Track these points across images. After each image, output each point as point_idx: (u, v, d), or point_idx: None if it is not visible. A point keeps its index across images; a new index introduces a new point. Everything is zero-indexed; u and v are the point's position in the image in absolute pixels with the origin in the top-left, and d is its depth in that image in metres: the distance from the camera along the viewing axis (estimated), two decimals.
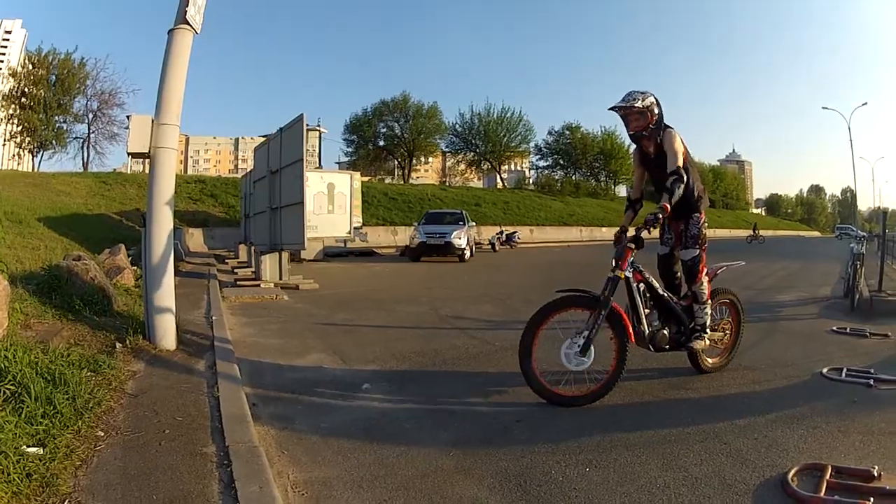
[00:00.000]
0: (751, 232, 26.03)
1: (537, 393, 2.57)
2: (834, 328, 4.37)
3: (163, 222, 3.69)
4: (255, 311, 5.98)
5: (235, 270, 9.63)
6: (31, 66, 25.37)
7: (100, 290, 5.09)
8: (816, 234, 58.07)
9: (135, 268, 7.27)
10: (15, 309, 3.24)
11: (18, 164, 27.02)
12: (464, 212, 15.14)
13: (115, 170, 29.28)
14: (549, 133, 37.65)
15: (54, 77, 24.70)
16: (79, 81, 24.78)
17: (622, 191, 37.18)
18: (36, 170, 24.97)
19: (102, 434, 2.31)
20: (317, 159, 30.35)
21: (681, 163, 2.73)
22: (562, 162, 37.24)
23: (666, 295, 2.88)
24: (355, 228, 12.84)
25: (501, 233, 17.91)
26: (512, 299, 5.99)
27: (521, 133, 35.06)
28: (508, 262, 12.42)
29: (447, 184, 36.09)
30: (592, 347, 2.59)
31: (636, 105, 2.75)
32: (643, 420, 2.33)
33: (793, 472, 1.70)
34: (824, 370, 3.07)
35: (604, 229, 25.79)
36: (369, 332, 4.41)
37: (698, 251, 2.91)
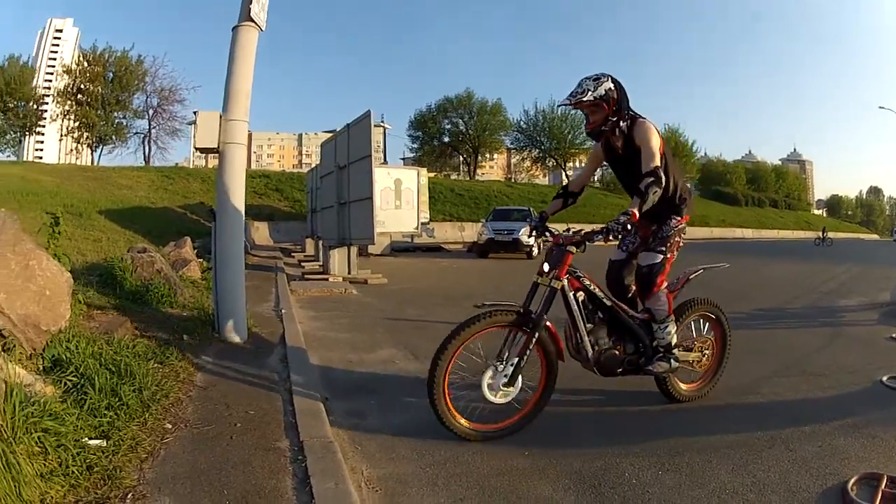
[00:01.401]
0: (819, 234, 32.93)
1: (448, 429, 2.80)
2: (893, 335, 5.49)
3: (233, 216, 4.65)
4: (324, 305, 7.36)
5: (302, 264, 12.46)
6: (86, 64, 33.46)
7: (165, 281, 6.27)
8: (875, 236, 69.90)
9: (201, 260, 8.95)
10: (78, 300, 4.08)
11: (77, 158, 36.73)
12: (531, 209, 18.93)
13: (176, 164, 38.29)
14: None
15: (111, 74, 33.48)
16: (137, 78, 33.76)
17: None
18: (95, 164, 32.89)
19: (170, 426, 2.79)
20: (382, 155, 36.55)
21: (658, 162, 2.93)
22: None
23: (615, 306, 3.11)
24: (422, 224, 16.34)
25: (568, 229, 20.47)
26: None
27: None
28: (574, 260, 13.67)
29: (513, 180, 46.46)
30: (520, 376, 2.90)
31: (585, 98, 2.99)
32: (713, 424, 2.98)
33: (852, 481, 2.27)
34: (884, 378, 3.88)
35: None
36: (440, 328, 5.07)
37: (661, 259, 3.14)
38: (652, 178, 2.88)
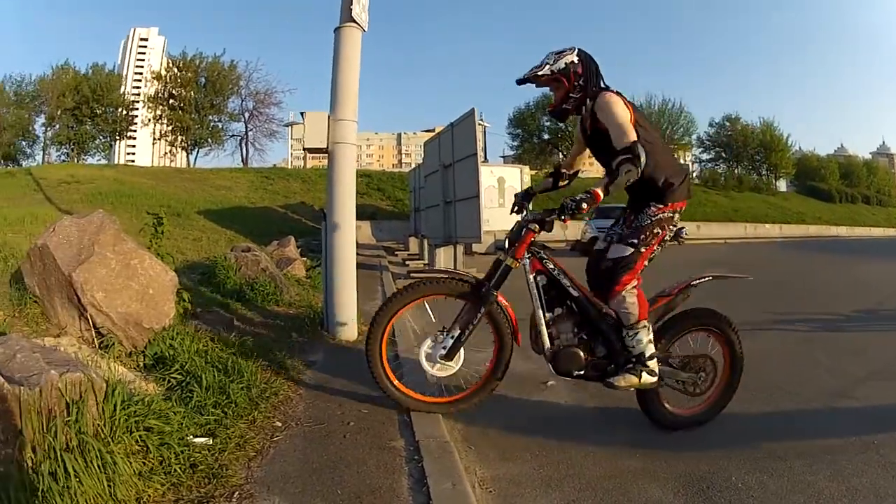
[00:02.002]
0: None
1: (387, 395, 3.22)
2: None
3: (344, 215, 5.13)
4: (431, 303, 7.24)
5: (407, 262, 14.02)
6: (176, 70, 38.75)
7: (271, 279, 6.81)
8: None
9: (305, 259, 9.77)
10: (182, 298, 4.55)
11: (171, 161, 41.68)
12: None
13: (274, 165, 43.71)
14: (710, 125, 54.48)
15: (204, 79, 38.97)
16: (231, 83, 39.18)
17: (783, 185, 57.67)
18: (192, 166, 37.58)
19: (280, 425, 2.97)
20: (483, 153, 37.56)
21: (632, 136, 2.88)
22: (724, 155, 53.88)
23: (584, 298, 3.12)
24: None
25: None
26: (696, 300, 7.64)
27: (683, 125, 49.51)
28: (676, 259, 16.22)
29: None
30: (463, 351, 3.16)
31: (541, 72, 3.09)
32: (814, 428, 3.30)
33: None
34: None
35: (767, 226, 38.07)
36: None
37: (630, 252, 3.06)
38: (626, 156, 2.83)
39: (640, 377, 3.03)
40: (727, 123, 53.72)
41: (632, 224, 3.16)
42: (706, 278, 3.35)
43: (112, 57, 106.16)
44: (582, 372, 3.11)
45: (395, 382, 3.23)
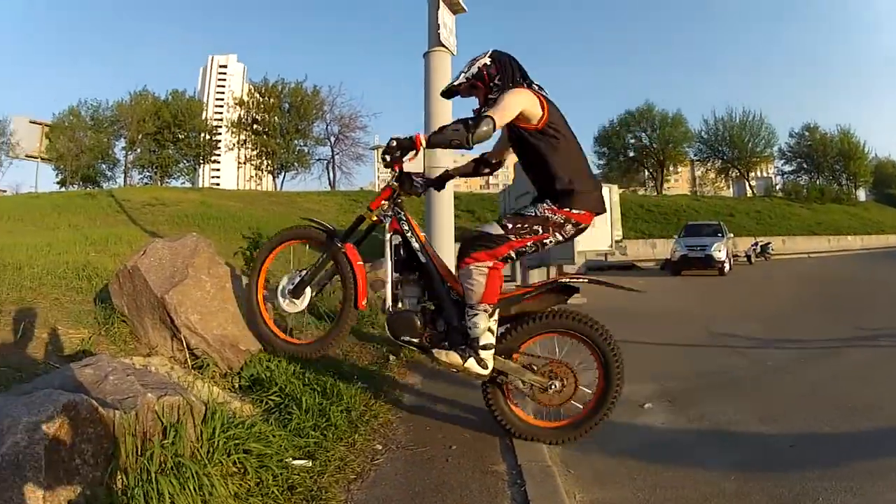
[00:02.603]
0: None
1: (261, 339, 3.71)
2: None
3: (443, 237, 5.50)
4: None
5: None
6: (258, 96, 41.64)
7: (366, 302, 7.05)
8: None
9: None
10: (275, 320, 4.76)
11: (257, 185, 44.65)
12: (721, 223, 22.26)
13: (361, 188, 45.34)
14: (790, 135, 56.90)
15: (287, 104, 41.76)
16: (315, 108, 41.75)
17: (862, 194, 59.07)
18: (279, 189, 40.04)
19: (380, 448, 3.03)
20: None
21: (491, 113, 2.92)
22: (805, 166, 56.29)
23: (430, 264, 3.24)
24: (616, 242, 18.19)
25: (756, 244, 26.32)
26: (778, 317, 8.80)
27: (764, 137, 52.49)
28: (767, 276, 18.57)
29: (698, 194, 53.94)
30: (309, 291, 3.58)
31: (458, 82, 3.29)
32: None
33: None
34: None
35: (850, 237, 39.50)
36: (643, 349, 6.28)
37: (497, 232, 3.10)
38: (470, 118, 2.93)
39: (465, 360, 3.05)
40: (806, 133, 55.81)
41: (517, 212, 3.20)
42: (582, 280, 3.37)
43: (191, 84, 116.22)
44: (416, 340, 3.21)
45: (269, 322, 3.70)
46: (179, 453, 2.19)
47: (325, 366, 4.10)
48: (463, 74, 3.23)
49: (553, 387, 3.18)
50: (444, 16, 5.35)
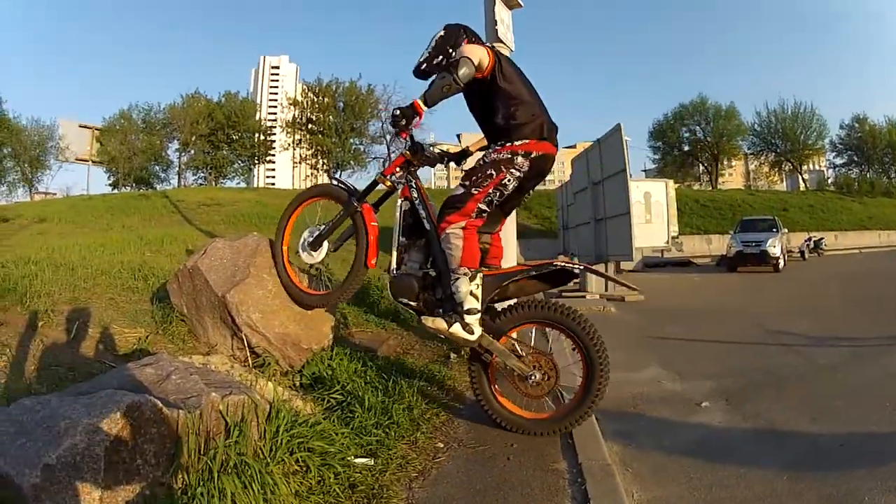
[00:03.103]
0: None
1: (286, 289, 3.89)
2: None
3: (506, 234, 5.39)
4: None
5: None
6: (312, 95, 42.26)
7: None
8: None
9: None
10: (337, 318, 4.85)
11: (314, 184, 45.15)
12: (776, 218, 22.84)
13: None
14: (841, 127, 55.87)
15: (342, 104, 42.07)
16: (370, 106, 41.90)
17: None
18: None
19: (442, 446, 3.06)
20: (628, 167, 40.45)
21: (466, 54, 3.16)
22: (856, 158, 55.20)
23: (433, 231, 3.35)
24: (672, 238, 19.52)
25: (809, 239, 26.53)
26: (831, 314, 9.03)
27: (816, 129, 52.29)
28: (820, 273, 18.42)
29: (752, 188, 55.32)
30: (326, 244, 3.86)
31: (421, 60, 3.43)
32: None
33: None
34: None
35: None
36: (700, 347, 6.85)
37: (461, 192, 3.24)
38: (449, 66, 3.14)
39: (450, 325, 3.12)
40: (856, 125, 54.69)
41: (473, 166, 3.31)
42: (579, 268, 3.39)
43: (243, 85, 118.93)
44: (413, 304, 3.32)
45: (293, 277, 3.87)
46: (242, 452, 2.24)
47: (387, 364, 4.16)
48: (424, 53, 3.40)
49: (533, 377, 3.23)
50: (501, 11, 5.37)
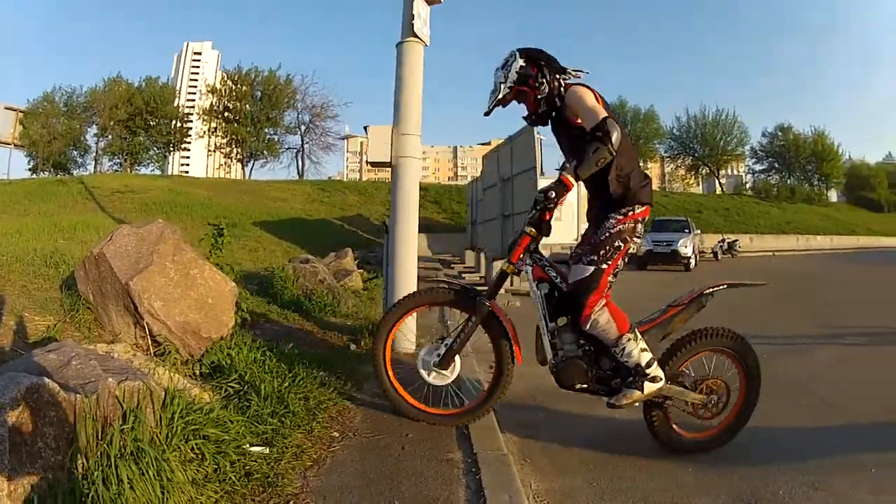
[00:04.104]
0: None
1: (392, 403, 3.34)
2: None
3: (407, 227, 5.34)
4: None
5: (463, 275, 14.35)
6: (230, 83, 40.71)
7: (328, 291, 6.95)
8: None
9: (362, 271, 9.98)
10: (240, 308, 4.67)
11: (227, 173, 43.59)
12: (688, 219, 22.55)
13: (330, 178, 45.31)
14: (763, 135, 57.98)
15: (259, 93, 40.85)
16: (287, 96, 40.92)
17: (834, 196, 61.35)
18: (247, 178, 39.39)
19: (337, 435, 3.01)
20: (540, 167, 40.22)
21: (602, 114, 2.83)
22: (777, 165, 56.83)
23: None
24: (582, 235, 17.61)
25: (723, 240, 26.12)
26: (748, 312, 8.24)
27: (737, 135, 53.18)
28: (732, 272, 18.97)
29: (668, 190, 53.94)
30: (458, 360, 3.24)
31: (502, 94, 3.10)
32: (862, 444, 3.37)
33: None
34: None
35: (819, 238, 39.41)
36: None
37: (591, 272, 2.96)
38: (597, 133, 2.73)
39: (642, 389, 2.93)
40: (779, 133, 56.53)
41: (590, 241, 3.05)
42: (721, 286, 3.22)
43: (165, 70, 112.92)
44: (585, 386, 3.05)
45: (399, 388, 3.34)
46: (139, 438, 2.14)
47: (285, 354, 4.05)
48: (503, 85, 3.08)
49: (712, 402, 3.14)
50: (419, 6, 5.26)
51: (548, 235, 3.08)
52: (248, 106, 40.06)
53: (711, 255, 24.30)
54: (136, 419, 2.20)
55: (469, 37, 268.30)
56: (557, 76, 3.05)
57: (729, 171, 61.21)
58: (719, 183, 56.40)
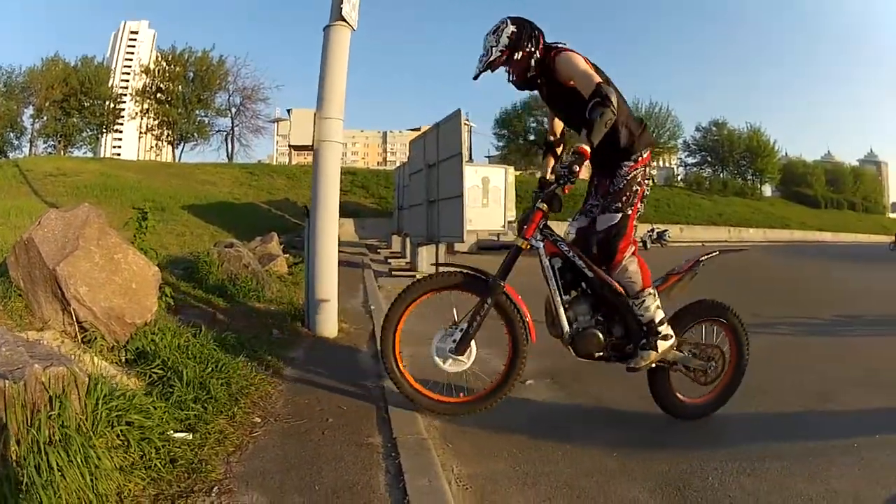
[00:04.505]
0: (892, 239, 35.12)
1: (406, 396, 3.14)
2: None
3: (328, 212, 5.16)
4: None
5: (389, 260, 14.29)
6: (164, 64, 38.43)
7: (253, 276, 6.77)
8: None
9: (287, 255, 9.74)
10: (164, 293, 4.50)
11: (157, 155, 41.97)
12: None
13: (259, 161, 43.24)
14: (697, 129, 57.05)
15: (192, 74, 38.68)
16: (219, 78, 38.87)
17: (768, 190, 59.17)
18: (177, 161, 37.42)
19: (259, 420, 2.98)
20: (468, 153, 39.62)
21: (597, 79, 2.84)
22: (710, 159, 56.20)
23: (596, 278, 3.03)
24: (509, 222, 18.30)
25: (653, 230, 25.42)
26: (681, 303, 8.71)
27: (670, 129, 51.37)
28: (661, 261, 18.58)
29: None
30: (475, 345, 3.09)
31: (493, 57, 3.06)
32: (794, 431, 3.31)
33: None
34: None
35: (751, 230, 39.40)
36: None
37: (619, 217, 3.03)
38: (596, 99, 2.74)
39: (656, 348, 3.02)
40: (714, 128, 55.94)
41: (609, 190, 3.12)
42: (713, 253, 3.42)
43: (102, 49, 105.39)
44: (601, 353, 3.08)
45: (410, 380, 3.16)
46: (66, 425, 2.08)
47: (209, 339, 3.95)
48: (494, 48, 3.05)
49: (711, 367, 3.26)
50: None
51: (558, 211, 3.03)
52: (180, 87, 37.98)
53: (641, 244, 25.49)
54: (62, 405, 2.13)
55: (402, 21, 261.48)
56: (545, 42, 3.09)
57: (661, 163, 58.65)
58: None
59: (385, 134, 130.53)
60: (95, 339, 3.23)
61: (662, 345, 3.02)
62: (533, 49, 3.05)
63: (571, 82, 2.99)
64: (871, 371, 4.63)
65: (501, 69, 3.16)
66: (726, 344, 3.36)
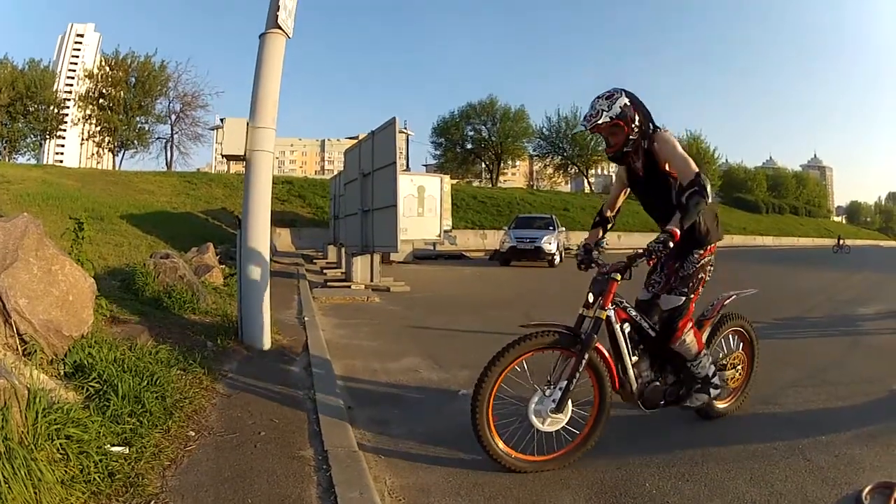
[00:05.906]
0: (836, 242, 35.33)
1: (495, 460, 2.73)
2: None
3: (259, 222, 4.93)
4: (347, 313, 7.80)
5: (325, 271, 13.49)
6: (108, 69, 35.51)
7: (188, 287, 6.50)
8: (893, 243, 73.43)
9: (223, 266, 9.39)
10: (100, 305, 4.27)
11: (98, 162, 38.46)
12: (554, 217, 20.54)
13: (198, 169, 40.51)
14: None
15: (134, 79, 35.66)
16: (160, 84, 35.97)
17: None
18: (117, 169, 34.80)
19: (193, 434, 2.90)
20: (405, 162, 38.67)
21: (695, 168, 2.85)
22: None
23: (657, 338, 3.09)
24: (445, 232, 18.08)
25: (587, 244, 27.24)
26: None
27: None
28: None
29: (535, 188, 50.90)
30: (570, 402, 2.87)
31: (601, 121, 2.94)
32: (733, 434, 3.17)
33: (867, 490, 2.45)
34: None
35: None
36: (463, 336, 6.00)
37: (683, 301, 3.12)
38: (694, 188, 2.76)
39: (709, 393, 3.21)
40: None
41: (677, 273, 3.16)
42: (732, 297, 3.55)
43: (49, 53, 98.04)
44: (664, 402, 3.13)
45: (502, 444, 2.78)
46: (9, 437, 2.00)
47: (144, 352, 3.80)
48: (605, 113, 2.92)
49: (737, 373, 3.48)
50: None
51: (629, 279, 2.96)
52: (122, 93, 35.11)
53: (578, 264, 24.67)
54: (4, 418, 2.04)
55: (341, 29, 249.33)
56: (648, 126, 3.02)
57: (598, 170, 56.99)
58: (588, 182, 52.95)
59: (323, 142, 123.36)
60: (35, 351, 3.05)
61: (714, 392, 3.23)
62: (637, 127, 2.97)
63: (667, 165, 2.98)
64: (813, 373, 4.57)
65: (600, 135, 3.10)
66: (741, 348, 3.61)
